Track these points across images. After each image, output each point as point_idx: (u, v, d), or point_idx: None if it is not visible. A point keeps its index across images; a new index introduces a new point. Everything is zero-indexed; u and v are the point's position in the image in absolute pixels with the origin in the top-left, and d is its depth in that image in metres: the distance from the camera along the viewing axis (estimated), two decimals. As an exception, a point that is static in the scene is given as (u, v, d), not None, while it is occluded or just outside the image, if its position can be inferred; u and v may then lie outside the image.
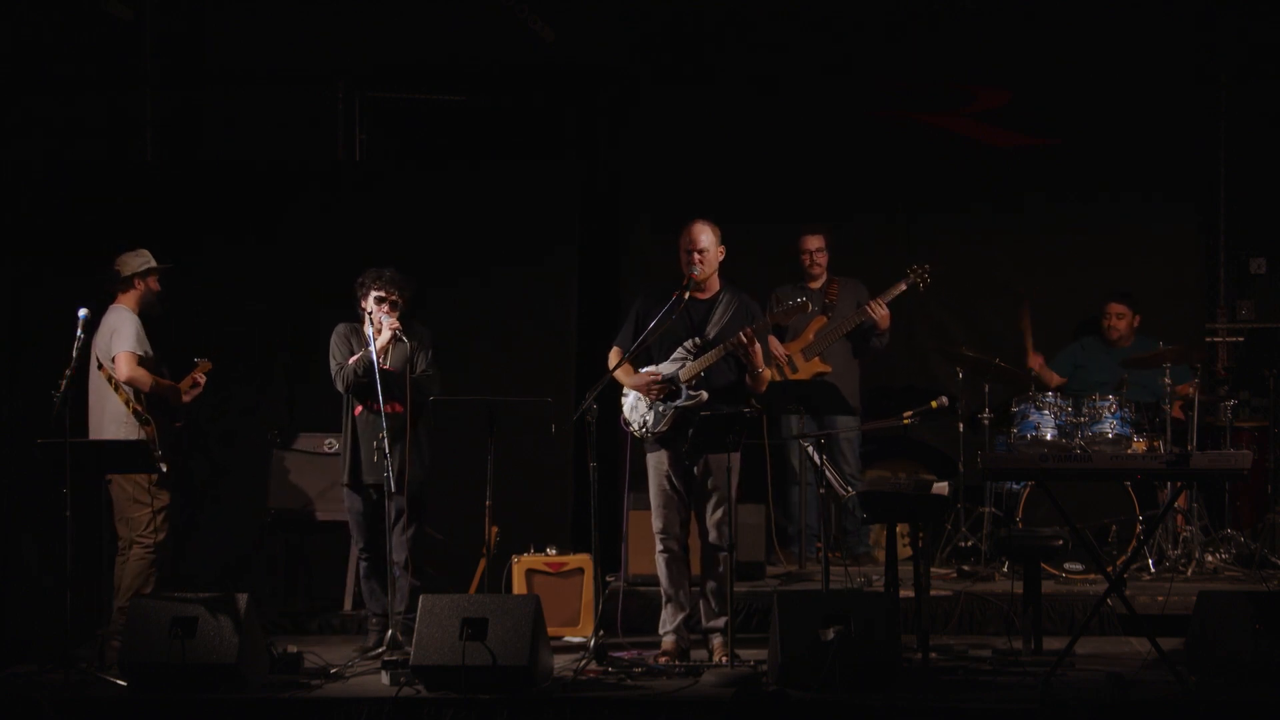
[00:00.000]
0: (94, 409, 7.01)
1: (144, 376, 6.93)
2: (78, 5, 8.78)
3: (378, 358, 6.75)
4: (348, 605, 7.77)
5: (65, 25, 8.89)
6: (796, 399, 7.50)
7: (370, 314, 6.85)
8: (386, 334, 6.85)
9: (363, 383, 6.83)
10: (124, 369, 6.88)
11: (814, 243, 8.36)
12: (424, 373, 6.98)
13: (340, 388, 6.95)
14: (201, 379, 7.20)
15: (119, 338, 6.92)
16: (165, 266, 7.20)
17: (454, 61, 9.19)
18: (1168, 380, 7.95)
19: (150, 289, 7.15)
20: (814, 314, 8.26)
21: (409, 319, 7.03)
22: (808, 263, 8.37)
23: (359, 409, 6.94)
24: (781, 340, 8.27)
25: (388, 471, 6.59)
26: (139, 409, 6.95)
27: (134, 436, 6.88)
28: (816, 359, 8.23)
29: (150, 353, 7.08)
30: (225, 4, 9.23)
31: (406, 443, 6.83)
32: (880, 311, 8.10)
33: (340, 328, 7.01)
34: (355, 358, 6.86)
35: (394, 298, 6.92)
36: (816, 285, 8.38)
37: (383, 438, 6.58)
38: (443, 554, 7.55)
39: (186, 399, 7.16)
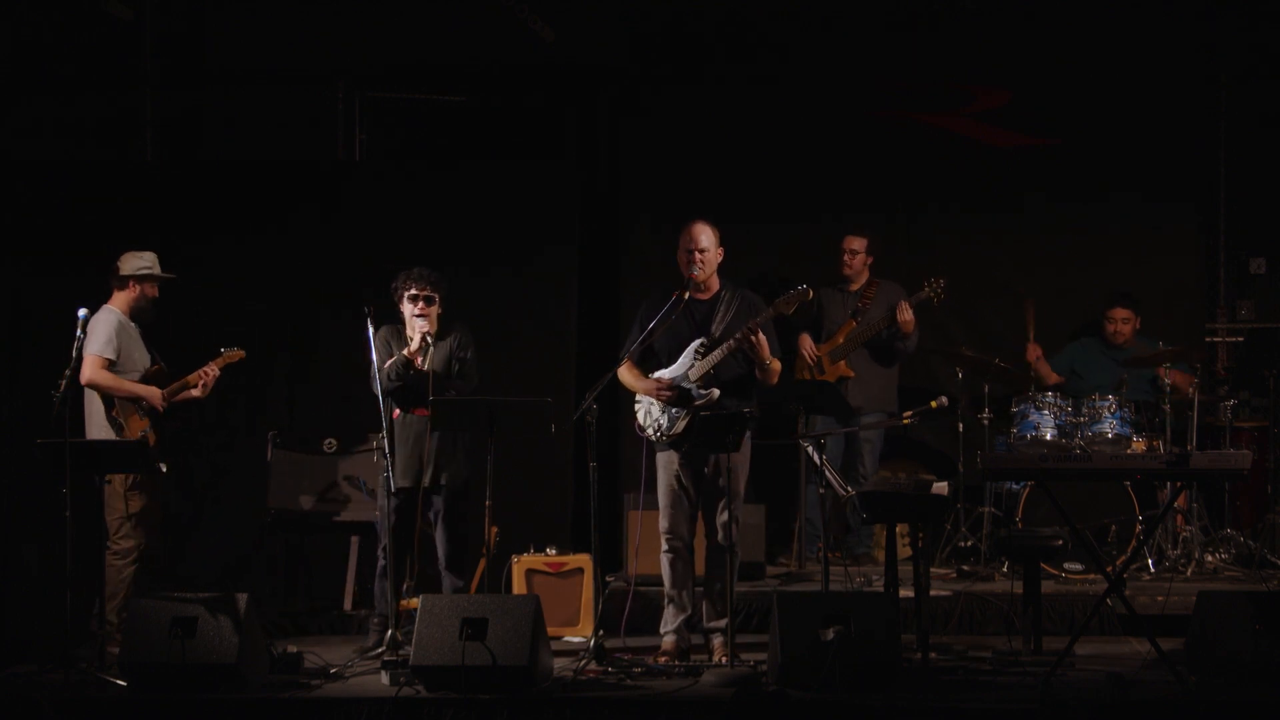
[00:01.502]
0: (85, 410, 6.99)
1: (106, 380, 6.86)
2: (78, 5, 8.79)
3: (414, 360, 6.81)
4: (348, 605, 7.77)
5: (65, 25, 8.89)
6: (810, 399, 7.52)
7: (407, 317, 6.90)
8: (416, 340, 6.87)
9: (397, 386, 6.84)
10: (85, 372, 6.82)
11: (852, 243, 8.39)
12: (459, 372, 7.01)
13: (376, 391, 6.92)
14: (213, 370, 7.11)
15: (90, 340, 6.86)
16: (166, 275, 7.17)
17: (454, 61, 9.20)
18: (1167, 380, 7.95)
19: (145, 294, 7.10)
20: (845, 317, 8.29)
21: (449, 318, 7.05)
22: (842, 262, 8.37)
23: (397, 412, 6.94)
24: (817, 341, 8.30)
25: (388, 472, 6.58)
26: (114, 413, 6.93)
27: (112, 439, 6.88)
28: (842, 362, 8.26)
29: (151, 355, 7.06)
30: (225, 4, 9.23)
31: (428, 444, 6.87)
32: (905, 316, 8.11)
33: (382, 330, 6.94)
34: (390, 362, 6.86)
35: (427, 293, 6.94)
36: (856, 287, 8.41)
37: (382, 437, 6.58)
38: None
39: (198, 393, 7.11)
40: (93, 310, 6.78)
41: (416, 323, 6.91)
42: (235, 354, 7.22)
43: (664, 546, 6.70)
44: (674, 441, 6.63)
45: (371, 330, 6.77)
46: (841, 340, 8.29)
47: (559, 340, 8.37)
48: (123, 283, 7.09)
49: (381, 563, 7.05)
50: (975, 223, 9.04)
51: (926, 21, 8.94)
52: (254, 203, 8.40)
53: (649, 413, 6.69)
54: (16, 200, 8.26)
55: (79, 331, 6.49)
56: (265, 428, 8.01)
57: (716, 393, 6.56)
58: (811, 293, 6.63)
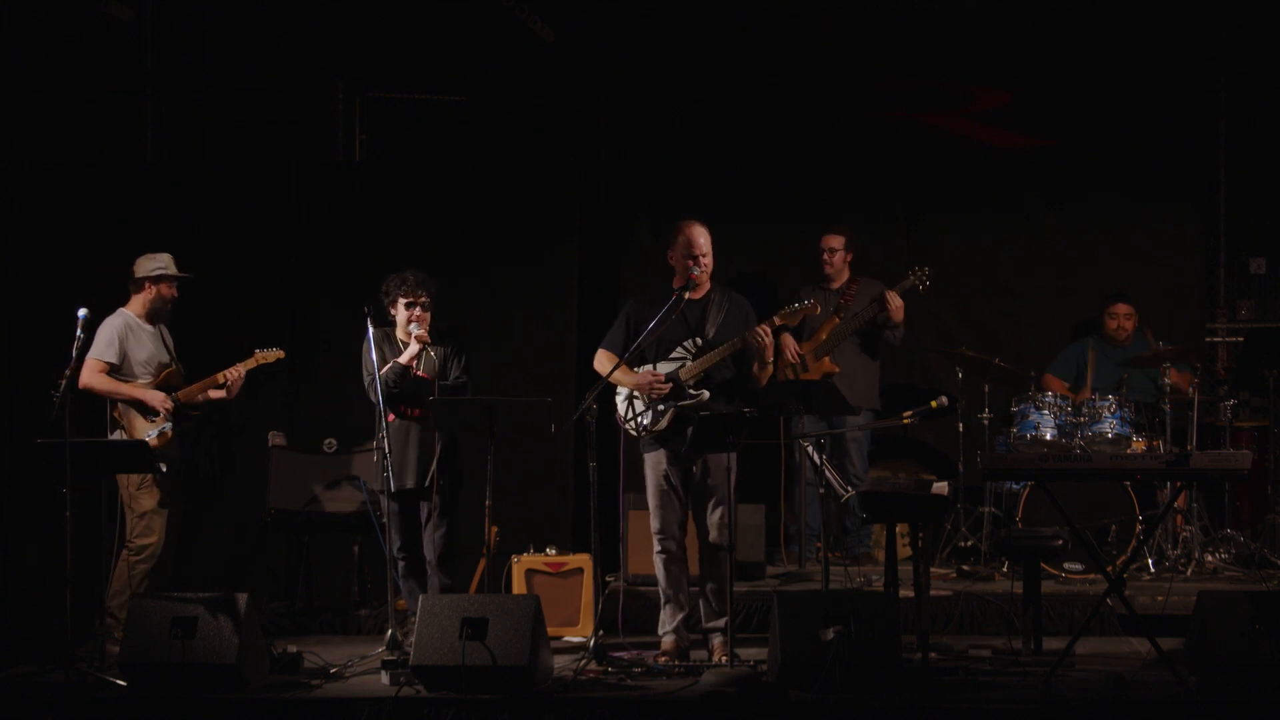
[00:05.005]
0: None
1: (102, 385, 6.88)
2: (78, 5, 8.79)
3: (410, 365, 6.87)
4: (349, 605, 7.78)
5: (65, 25, 8.90)
6: (805, 398, 7.50)
7: (401, 322, 6.94)
8: (414, 347, 6.89)
9: (393, 392, 6.84)
10: (82, 376, 6.82)
11: (830, 241, 8.37)
12: (456, 379, 7.04)
13: (374, 398, 6.90)
14: (236, 372, 7.09)
15: (94, 343, 6.90)
16: (180, 275, 7.17)
17: (454, 61, 9.20)
18: (1167, 380, 7.95)
19: (161, 295, 7.12)
20: (827, 315, 8.27)
21: (437, 319, 7.06)
22: (822, 261, 8.37)
23: (391, 416, 6.94)
24: (798, 340, 8.28)
25: (388, 473, 6.60)
26: (115, 414, 6.95)
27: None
28: (826, 359, 8.24)
29: (170, 356, 7.07)
30: (225, 4, 9.24)
31: (415, 443, 6.92)
32: (895, 302, 8.10)
33: (373, 334, 6.86)
34: (386, 367, 6.87)
35: (425, 299, 6.97)
36: (837, 285, 8.39)
37: (382, 437, 6.60)
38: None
39: (224, 394, 7.08)
40: (103, 313, 6.79)
41: (412, 329, 6.95)
42: (270, 355, 7.23)
43: (656, 547, 6.70)
44: (660, 439, 6.62)
45: (370, 331, 6.77)
46: (825, 337, 8.27)
47: (559, 340, 8.37)
48: (138, 285, 7.12)
49: (402, 564, 7.06)
50: (975, 223, 9.04)
51: (926, 21, 8.94)
52: (253, 203, 8.41)
53: (630, 406, 6.69)
54: (16, 200, 8.26)
55: (79, 331, 6.49)
56: (265, 427, 8.01)
57: (706, 394, 6.56)
58: (818, 308, 6.62)
